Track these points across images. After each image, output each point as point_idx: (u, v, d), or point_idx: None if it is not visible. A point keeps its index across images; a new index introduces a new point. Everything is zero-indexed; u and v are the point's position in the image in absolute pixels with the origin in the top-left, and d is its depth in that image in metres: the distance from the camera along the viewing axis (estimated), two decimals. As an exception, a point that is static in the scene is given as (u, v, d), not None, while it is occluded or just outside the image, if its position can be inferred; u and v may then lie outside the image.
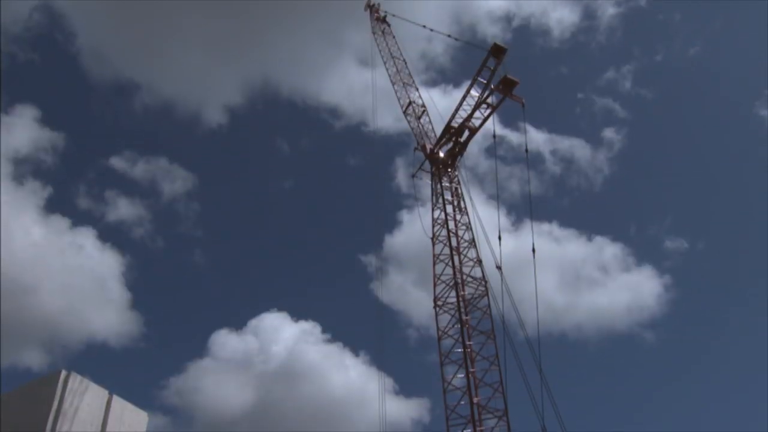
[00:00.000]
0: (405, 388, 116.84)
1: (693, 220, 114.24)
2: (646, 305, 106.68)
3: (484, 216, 45.04)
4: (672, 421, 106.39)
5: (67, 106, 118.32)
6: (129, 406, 40.73)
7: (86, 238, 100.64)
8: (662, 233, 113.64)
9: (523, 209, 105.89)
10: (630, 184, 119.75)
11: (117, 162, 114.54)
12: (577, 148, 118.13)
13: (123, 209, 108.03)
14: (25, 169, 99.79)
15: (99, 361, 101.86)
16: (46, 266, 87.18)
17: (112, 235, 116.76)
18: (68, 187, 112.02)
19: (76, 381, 38.46)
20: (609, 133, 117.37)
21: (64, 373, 38.38)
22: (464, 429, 35.50)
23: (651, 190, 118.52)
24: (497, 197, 46.19)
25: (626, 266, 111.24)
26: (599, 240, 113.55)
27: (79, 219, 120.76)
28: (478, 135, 46.22)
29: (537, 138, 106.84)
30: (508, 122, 70.80)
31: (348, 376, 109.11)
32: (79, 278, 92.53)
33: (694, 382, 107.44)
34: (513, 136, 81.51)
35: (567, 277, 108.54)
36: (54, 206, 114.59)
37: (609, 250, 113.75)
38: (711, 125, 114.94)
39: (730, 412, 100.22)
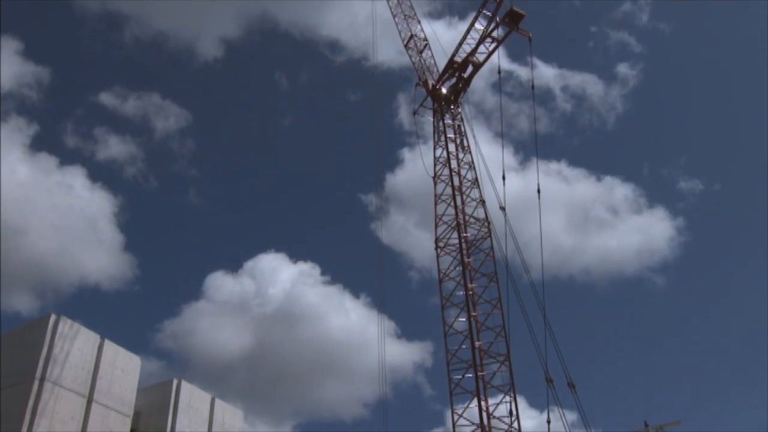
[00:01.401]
0: (407, 331, 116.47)
1: (709, 161, 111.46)
2: (657, 248, 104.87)
3: (491, 154, 43.44)
4: (682, 368, 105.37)
5: (52, 38, 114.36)
6: (122, 351, 39.78)
7: (75, 178, 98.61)
8: (676, 173, 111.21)
9: (531, 148, 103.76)
10: (644, 122, 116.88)
11: (106, 98, 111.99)
12: (589, 84, 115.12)
13: (113, 147, 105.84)
14: (9, 105, 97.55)
15: (91, 305, 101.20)
16: (34, 207, 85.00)
17: (102, 174, 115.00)
18: (55, 124, 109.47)
19: (66, 325, 37.40)
20: (623, 69, 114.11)
21: (53, 317, 37.31)
22: (465, 373, 34.49)
23: (666, 129, 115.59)
24: (502, 135, 44.58)
25: (637, 208, 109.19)
26: (609, 180, 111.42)
27: (67, 157, 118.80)
28: (485, 70, 44.38)
29: (547, 73, 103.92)
30: (516, 57, 68.35)
31: (348, 318, 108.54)
32: (69, 219, 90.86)
33: (705, 329, 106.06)
34: (521, 71, 78.88)
35: (575, 219, 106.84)
36: (41, 144, 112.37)
37: (620, 190, 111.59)
38: (731, 61, 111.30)
39: (742, 359, 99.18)
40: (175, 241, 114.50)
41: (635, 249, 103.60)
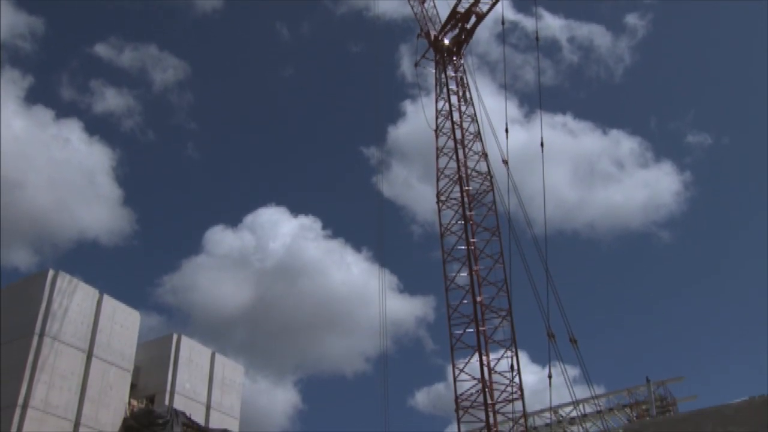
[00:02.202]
0: (409, 285, 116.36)
1: (718, 114, 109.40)
2: (663, 203, 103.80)
3: (495, 107, 42.65)
4: (686, 324, 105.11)
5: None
6: (121, 306, 39.58)
7: (72, 131, 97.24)
8: (684, 127, 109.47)
9: (536, 100, 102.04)
10: (652, 74, 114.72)
11: (102, 49, 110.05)
12: (596, 35, 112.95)
13: (110, 100, 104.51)
14: (2, 56, 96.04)
15: (90, 260, 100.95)
16: (31, 161, 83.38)
17: (99, 127, 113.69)
18: (50, 77, 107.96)
19: (64, 281, 37.16)
20: (632, 20, 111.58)
21: (51, 272, 37.06)
22: (467, 328, 34.23)
23: (675, 81, 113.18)
24: (505, 87, 43.78)
25: (644, 162, 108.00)
26: (616, 133, 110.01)
27: (63, 110, 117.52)
28: (489, 20, 43.34)
29: (553, 24, 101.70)
30: (521, 7, 67.05)
31: (349, 273, 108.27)
32: (66, 173, 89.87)
33: (711, 285, 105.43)
34: (527, 22, 77.42)
35: (580, 173, 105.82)
36: (36, 97, 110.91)
37: (626, 144, 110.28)
38: (744, 11, 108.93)
39: (746, 316, 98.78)
40: (175, 195, 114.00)
41: (641, 203, 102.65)
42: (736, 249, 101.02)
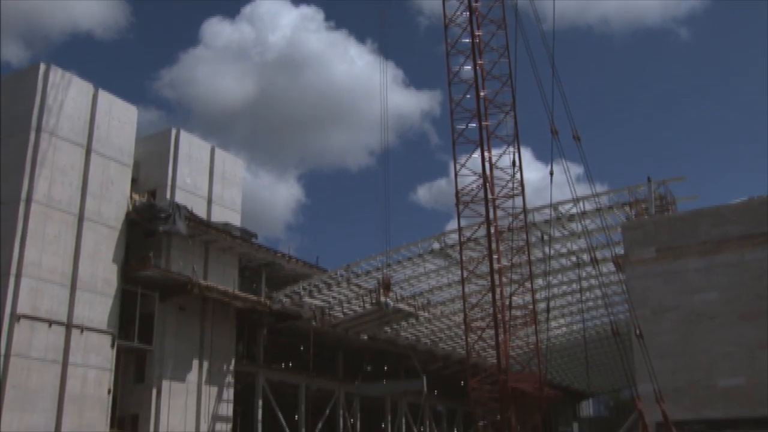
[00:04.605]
0: (415, 79, 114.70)
1: None
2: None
3: None
4: (696, 125, 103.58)
5: None
6: (117, 101, 38.85)
7: None
8: None
9: None
10: None
11: None
12: None
13: None
14: None
15: (85, 55, 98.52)
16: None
17: None
18: None
19: (57, 75, 36.20)
20: None
21: (43, 66, 36.03)
22: (469, 123, 33.49)
23: None
24: None
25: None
26: None
27: None
28: None
29: None
30: None
31: (353, 65, 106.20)
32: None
33: (726, 87, 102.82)
34: None
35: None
36: None
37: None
38: None
39: (756, 120, 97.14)
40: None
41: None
42: (757, 52, 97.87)
